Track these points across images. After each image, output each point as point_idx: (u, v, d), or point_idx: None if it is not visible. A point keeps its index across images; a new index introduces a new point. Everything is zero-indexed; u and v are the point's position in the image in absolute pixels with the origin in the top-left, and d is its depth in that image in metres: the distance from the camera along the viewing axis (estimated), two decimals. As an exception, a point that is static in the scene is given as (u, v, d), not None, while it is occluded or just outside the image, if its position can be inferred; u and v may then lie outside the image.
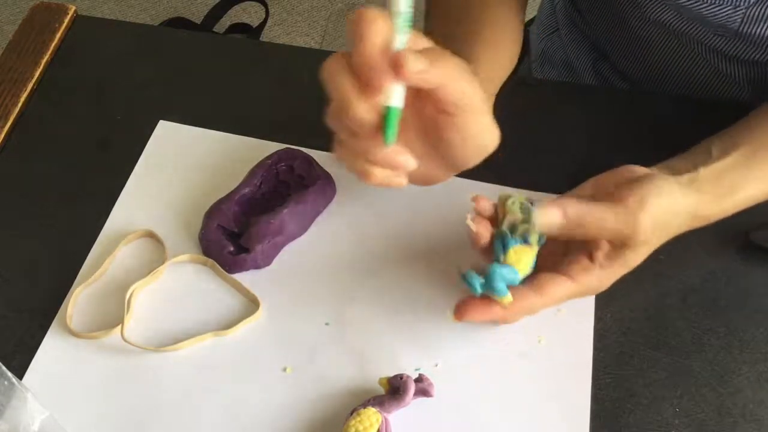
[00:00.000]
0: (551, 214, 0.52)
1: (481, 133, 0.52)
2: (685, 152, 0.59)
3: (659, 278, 0.62)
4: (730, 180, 0.57)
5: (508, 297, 0.53)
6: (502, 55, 0.64)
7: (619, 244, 0.54)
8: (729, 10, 0.65)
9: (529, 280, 0.54)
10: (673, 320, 0.61)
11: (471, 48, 0.61)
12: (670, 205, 0.54)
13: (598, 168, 0.57)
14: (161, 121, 0.72)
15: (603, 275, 0.55)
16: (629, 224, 0.52)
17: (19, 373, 0.58)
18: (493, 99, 0.61)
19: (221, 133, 0.71)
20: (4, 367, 0.49)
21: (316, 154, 0.67)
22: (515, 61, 0.67)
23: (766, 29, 0.66)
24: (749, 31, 0.66)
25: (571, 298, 0.55)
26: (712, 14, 0.66)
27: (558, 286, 0.54)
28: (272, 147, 0.69)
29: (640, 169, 0.56)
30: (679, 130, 0.73)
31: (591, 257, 0.54)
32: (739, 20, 0.66)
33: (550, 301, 0.54)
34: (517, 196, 0.54)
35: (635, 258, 0.55)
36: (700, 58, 0.74)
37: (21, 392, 0.49)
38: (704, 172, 0.56)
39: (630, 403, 0.57)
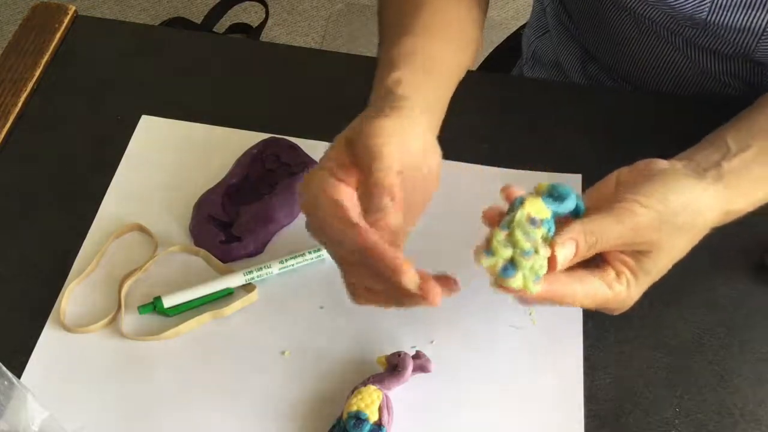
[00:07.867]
0: (566, 252, 0.48)
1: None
2: (699, 145, 0.56)
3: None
4: (756, 172, 0.55)
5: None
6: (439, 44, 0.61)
7: (638, 254, 0.50)
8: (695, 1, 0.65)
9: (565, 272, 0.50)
10: (673, 320, 0.61)
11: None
12: (689, 203, 0.50)
13: (594, 166, 0.56)
14: (143, 116, 0.72)
15: (631, 290, 0.51)
16: (640, 233, 0.49)
17: (18, 372, 0.58)
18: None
19: (203, 125, 0.72)
20: (4, 368, 0.48)
21: (301, 142, 0.68)
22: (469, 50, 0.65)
23: (731, 18, 0.65)
24: (717, 20, 0.66)
25: (604, 305, 0.51)
26: (680, 5, 0.66)
27: (595, 285, 0.50)
28: (256, 137, 0.69)
29: (660, 164, 0.53)
30: (670, 126, 0.73)
31: (617, 272, 0.51)
32: (707, 9, 0.66)
33: (590, 293, 0.49)
34: (522, 214, 0.47)
35: (657, 266, 0.51)
36: (679, 53, 0.74)
37: (21, 392, 0.49)
38: (728, 166, 0.54)
39: (630, 403, 0.57)
